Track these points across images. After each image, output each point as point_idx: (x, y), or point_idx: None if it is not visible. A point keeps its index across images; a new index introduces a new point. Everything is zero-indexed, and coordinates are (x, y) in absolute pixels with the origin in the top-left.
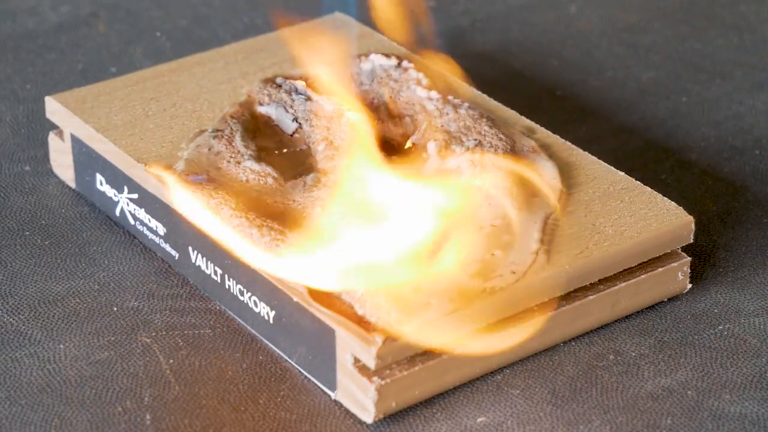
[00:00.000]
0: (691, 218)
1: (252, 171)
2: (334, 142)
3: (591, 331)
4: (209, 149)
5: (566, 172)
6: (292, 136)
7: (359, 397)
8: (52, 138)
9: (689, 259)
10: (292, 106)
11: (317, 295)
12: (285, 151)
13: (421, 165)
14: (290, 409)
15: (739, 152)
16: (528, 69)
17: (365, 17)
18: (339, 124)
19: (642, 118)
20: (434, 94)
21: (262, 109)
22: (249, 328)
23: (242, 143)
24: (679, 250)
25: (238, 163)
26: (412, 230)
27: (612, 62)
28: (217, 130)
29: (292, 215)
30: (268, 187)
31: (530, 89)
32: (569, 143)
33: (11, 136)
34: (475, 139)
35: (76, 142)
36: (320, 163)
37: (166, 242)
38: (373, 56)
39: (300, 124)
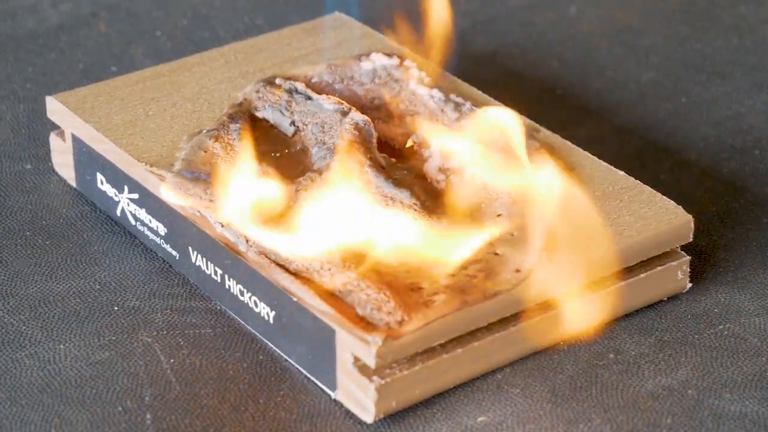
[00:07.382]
0: (690, 217)
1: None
2: (328, 143)
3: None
4: (206, 150)
5: (567, 172)
6: (292, 137)
7: (359, 397)
8: (53, 138)
9: (689, 258)
10: (288, 108)
11: (320, 292)
12: (286, 151)
13: (423, 164)
14: (290, 409)
15: (739, 152)
16: (528, 70)
17: (366, 17)
18: (338, 124)
19: (642, 119)
20: (436, 92)
21: (258, 113)
22: (249, 327)
23: (240, 144)
24: (679, 249)
25: (235, 163)
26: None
27: (612, 63)
28: (215, 130)
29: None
30: None
31: (531, 90)
32: (569, 143)
33: (12, 136)
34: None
35: (76, 141)
36: (316, 164)
37: (166, 242)
38: (374, 56)
39: (298, 126)
